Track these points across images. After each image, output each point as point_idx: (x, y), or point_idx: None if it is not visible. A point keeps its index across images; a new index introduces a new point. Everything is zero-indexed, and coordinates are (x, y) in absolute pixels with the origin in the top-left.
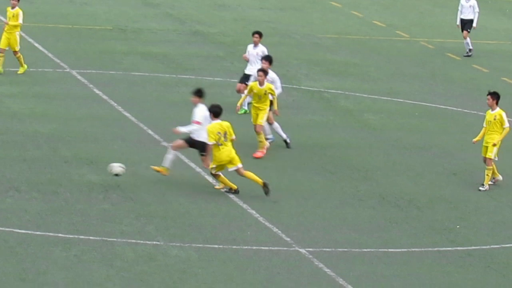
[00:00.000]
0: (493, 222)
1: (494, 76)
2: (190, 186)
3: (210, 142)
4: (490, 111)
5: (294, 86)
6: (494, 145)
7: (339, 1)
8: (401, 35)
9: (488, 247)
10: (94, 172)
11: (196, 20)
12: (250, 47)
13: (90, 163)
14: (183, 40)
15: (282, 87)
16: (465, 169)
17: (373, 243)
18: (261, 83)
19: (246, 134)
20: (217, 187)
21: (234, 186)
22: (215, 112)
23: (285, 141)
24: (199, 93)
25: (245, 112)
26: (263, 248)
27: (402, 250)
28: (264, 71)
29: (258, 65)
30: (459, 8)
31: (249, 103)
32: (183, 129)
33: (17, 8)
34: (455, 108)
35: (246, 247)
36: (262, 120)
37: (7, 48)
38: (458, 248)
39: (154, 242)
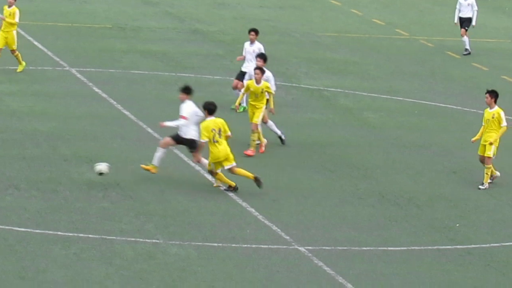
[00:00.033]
0: (493, 221)
1: (494, 74)
2: (189, 184)
3: (203, 140)
4: (488, 109)
5: (294, 85)
6: (491, 143)
7: None
8: (400, 33)
9: (488, 245)
10: (94, 171)
11: (195, 19)
12: (247, 44)
13: (89, 161)
14: (183, 38)
15: (276, 85)
16: (465, 167)
17: (372, 241)
18: (257, 81)
19: (245, 132)
20: (215, 185)
21: (233, 184)
22: (210, 109)
23: (280, 137)
24: (186, 90)
25: (245, 109)
26: (262, 246)
27: (402, 248)
28: (261, 69)
29: (255, 62)
30: (457, 6)
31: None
32: (169, 124)
33: (13, 6)
34: (454, 106)
35: (245, 245)
36: (257, 119)
37: (3, 47)
38: (458, 246)
39: (154, 240)
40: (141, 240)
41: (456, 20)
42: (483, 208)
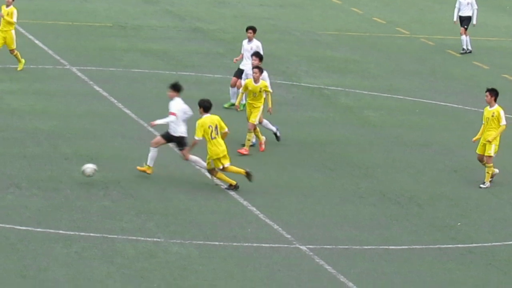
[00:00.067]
0: (494, 220)
1: (495, 73)
2: (190, 183)
3: (198, 137)
4: (488, 108)
5: (294, 83)
6: (489, 142)
7: None
8: (401, 32)
9: (489, 244)
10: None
11: (196, 17)
12: (245, 42)
13: (90, 160)
14: (183, 37)
15: (277, 84)
16: (466, 166)
17: (373, 240)
18: (256, 81)
19: (241, 131)
20: (217, 183)
21: (234, 182)
22: (205, 106)
23: (275, 134)
24: (175, 87)
25: (244, 107)
26: (263, 245)
27: (403, 247)
28: (259, 68)
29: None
30: (457, 5)
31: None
32: (160, 122)
33: (11, 6)
34: (455, 105)
35: (246, 244)
36: (254, 118)
37: (2, 47)
38: (459, 245)
39: (155, 239)
40: (142, 238)
41: (455, 18)
42: (485, 207)
